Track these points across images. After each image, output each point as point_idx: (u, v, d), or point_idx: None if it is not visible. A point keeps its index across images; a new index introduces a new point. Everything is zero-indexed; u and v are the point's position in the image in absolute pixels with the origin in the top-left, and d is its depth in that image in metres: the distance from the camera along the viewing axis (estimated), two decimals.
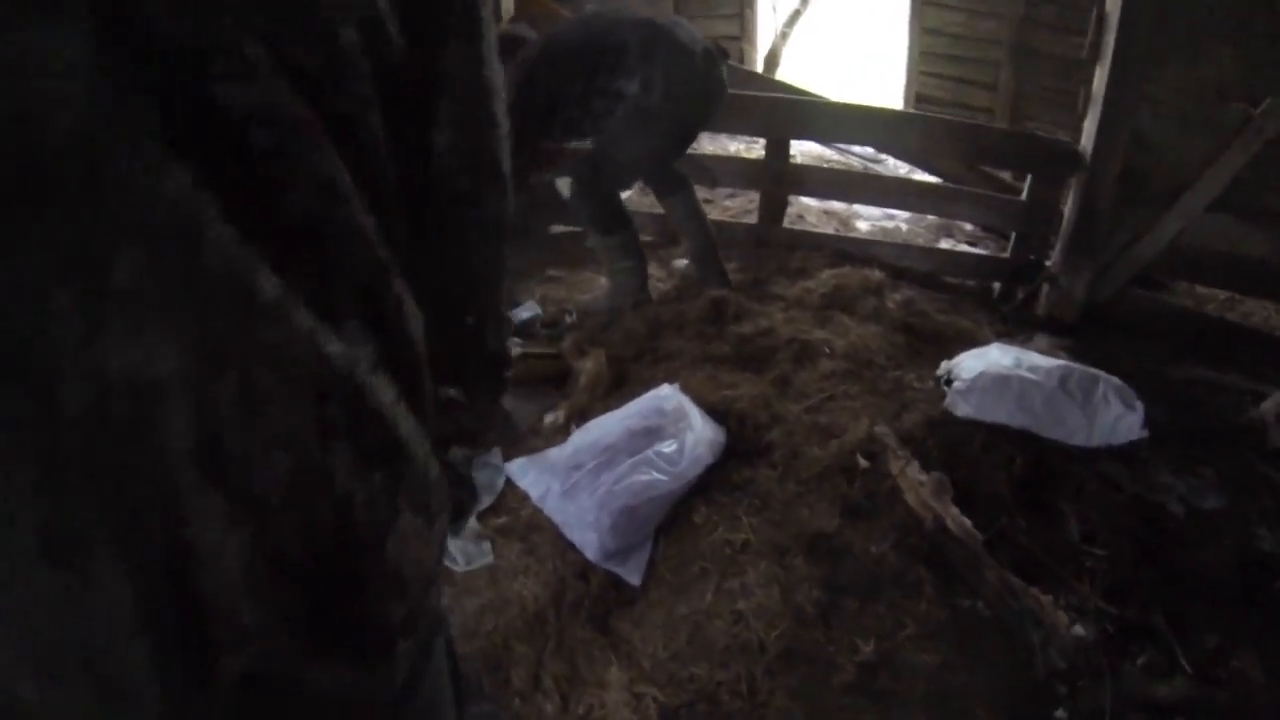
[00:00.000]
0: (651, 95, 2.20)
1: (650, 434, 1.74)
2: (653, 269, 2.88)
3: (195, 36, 0.35)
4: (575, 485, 1.60)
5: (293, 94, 0.39)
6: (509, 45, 2.41)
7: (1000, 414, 1.92)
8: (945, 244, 3.26)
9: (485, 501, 1.69)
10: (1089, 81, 2.51)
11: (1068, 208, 2.61)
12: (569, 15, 3.84)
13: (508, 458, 1.83)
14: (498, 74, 0.58)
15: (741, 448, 1.88)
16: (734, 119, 2.95)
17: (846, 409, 2.03)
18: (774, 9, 5.36)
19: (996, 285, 2.84)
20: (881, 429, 1.89)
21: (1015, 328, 2.59)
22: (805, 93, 3.23)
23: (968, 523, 1.61)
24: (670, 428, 1.77)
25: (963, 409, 1.95)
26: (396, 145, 0.48)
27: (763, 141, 3.01)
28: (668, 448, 1.71)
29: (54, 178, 0.33)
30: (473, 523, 1.63)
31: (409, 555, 0.48)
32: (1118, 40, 2.35)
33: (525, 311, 2.56)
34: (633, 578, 1.56)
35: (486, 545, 1.60)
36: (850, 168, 3.92)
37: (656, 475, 1.64)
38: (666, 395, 1.86)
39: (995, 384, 1.94)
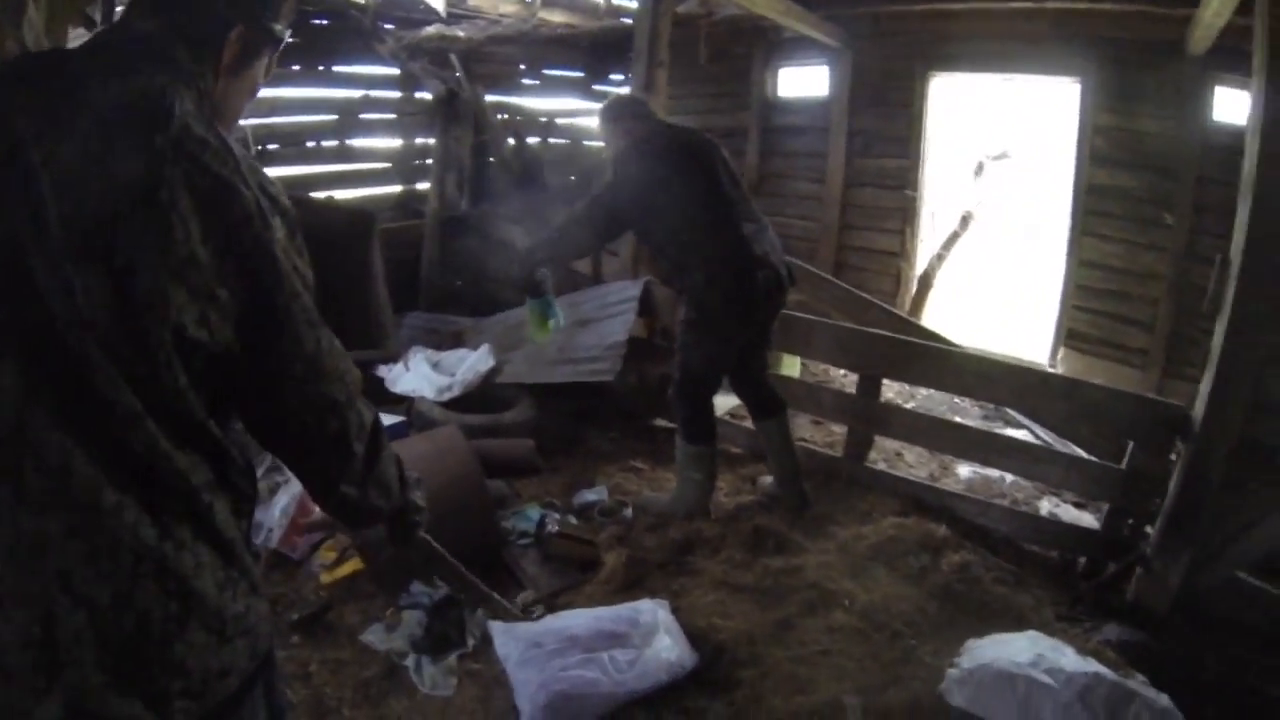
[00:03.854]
0: (703, 309, 2.51)
1: (614, 639, 1.96)
2: (729, 482, 3.07)
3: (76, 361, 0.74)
4: (530, 659, 1.87)
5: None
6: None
7: (998, 716, 1.76)
8: (1046, 505, 2.97)
9: (470, 646, 2.03)
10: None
11: (1173, 479, 2.34)
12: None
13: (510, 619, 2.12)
14: (316, 351, 0.89)
15: (709, 678, 1.97)
16: (830, 350, 3.14)
17: (834, 668, 2.01)
18: (932, 218, 5.36)
19: (1082, 560, 2.54)
20: (852, 700, 1.84)
21: (1086, 612, 2.29)
22: (924, 330, 3.34)
23: None
24: (636, 639, 1.97)
25: (956, 699, 1.83)
26: (249, 404, 0.88)
27: None
28: (623, 655, 1.92)
29: None
30: (452, 659, 1.98)
31: (194, 654, 0.78)
32: (1237, 290, 2.14)
33: (592, 494, 2.85)
34: None
35: (452, 681, 1.93)
36: (935, 414, 3.68)
37: (601, 676, 1.85)
38: (645, 609, 2.08)
39: (996, 681, 1.80)
